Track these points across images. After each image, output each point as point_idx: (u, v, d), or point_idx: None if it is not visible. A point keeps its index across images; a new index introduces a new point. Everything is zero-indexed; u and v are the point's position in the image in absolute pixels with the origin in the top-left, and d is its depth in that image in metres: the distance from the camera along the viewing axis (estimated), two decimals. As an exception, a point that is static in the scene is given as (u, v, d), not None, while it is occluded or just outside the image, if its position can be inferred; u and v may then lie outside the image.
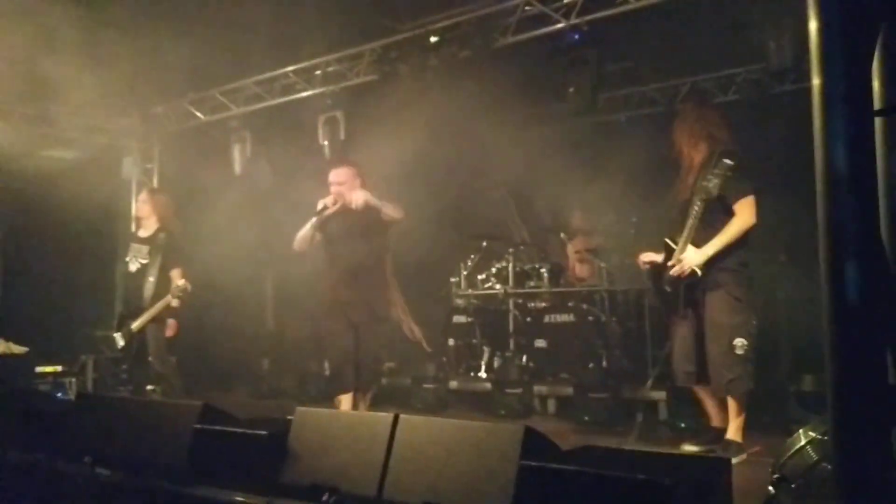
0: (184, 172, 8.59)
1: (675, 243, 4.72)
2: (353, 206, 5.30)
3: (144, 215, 6.72)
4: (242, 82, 8.18)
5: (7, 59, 6.28)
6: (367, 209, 5.37)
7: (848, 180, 2.26)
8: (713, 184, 4.53)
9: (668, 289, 4.79)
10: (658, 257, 4.92)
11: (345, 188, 5.43)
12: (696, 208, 4.60)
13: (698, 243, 4.62)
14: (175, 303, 6.24)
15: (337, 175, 5.50)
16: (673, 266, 4.69)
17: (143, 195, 6.95)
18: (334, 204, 5.42)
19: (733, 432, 4.62)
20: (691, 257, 4.60)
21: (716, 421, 4.83)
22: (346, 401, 5.38)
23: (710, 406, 4.86)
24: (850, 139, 2.26)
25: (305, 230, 5.49)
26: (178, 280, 6.29)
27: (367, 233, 5.46)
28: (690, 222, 4.63)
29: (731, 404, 4.64)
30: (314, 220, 5.38)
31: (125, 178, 9.31)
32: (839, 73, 2.28)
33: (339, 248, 5.48)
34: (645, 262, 5.07)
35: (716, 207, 4.61)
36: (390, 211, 5.38)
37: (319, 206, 5.42)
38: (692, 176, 4.76)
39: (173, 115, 8.92)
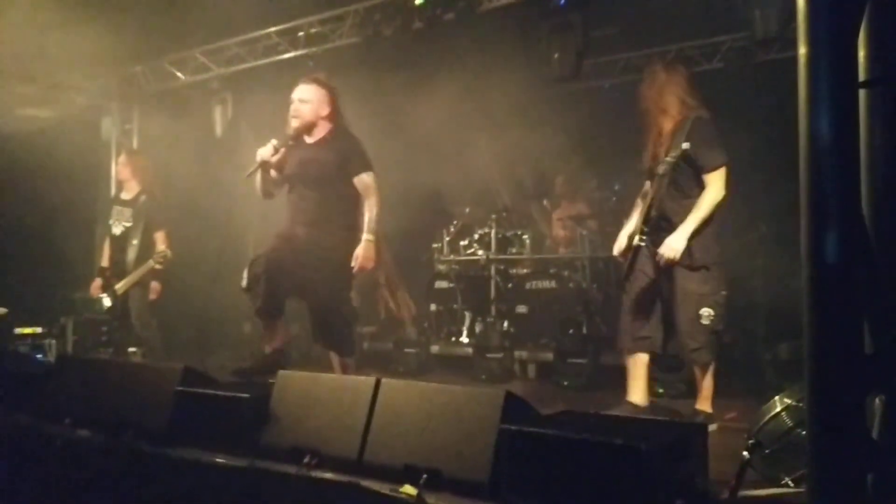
0: (164, 134, 8.47)
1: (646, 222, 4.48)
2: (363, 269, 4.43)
3: (125, 178, 6.65)
4: (224, 42, 8.04)
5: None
6: (333, 144, 4.51)
7: (831, 150, 2.27)
8: (686, 150, 4.32)
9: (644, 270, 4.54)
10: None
11: (307, 108, 4.51)
12: (667, 178, 4.39)
13: (675, 212, 4.41)
14: (158, 266, 6.21)
15: (304, 91, 4.55)
16: (655, 253, 4.40)
17: (123, 157, 6.88)
18: (290, 137, 4.45)
19: (702, 402, 4.64)
20: (675, 245, 4.31)
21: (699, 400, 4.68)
22: (333, 358, 4.86)
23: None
24: (834, 109, 2.27)
25: (257, 182, 4.59)
26: (161, 243, 6.26)
27: (329, 176, 4.47)
28: (651, 197, 4.46)
29: (699, 375, 4.65)
30: (255, 169, 4.44)
31: (104, 138, 9.19)
32: (825, 44, 2.28)
33: (297, 191, 4.54)
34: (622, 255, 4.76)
35: (688, 174, 4.40)
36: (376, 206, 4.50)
37: (258, 157, 4.43)
38: (662, 146, 4.50)
39: (153, 76, 8.77)
